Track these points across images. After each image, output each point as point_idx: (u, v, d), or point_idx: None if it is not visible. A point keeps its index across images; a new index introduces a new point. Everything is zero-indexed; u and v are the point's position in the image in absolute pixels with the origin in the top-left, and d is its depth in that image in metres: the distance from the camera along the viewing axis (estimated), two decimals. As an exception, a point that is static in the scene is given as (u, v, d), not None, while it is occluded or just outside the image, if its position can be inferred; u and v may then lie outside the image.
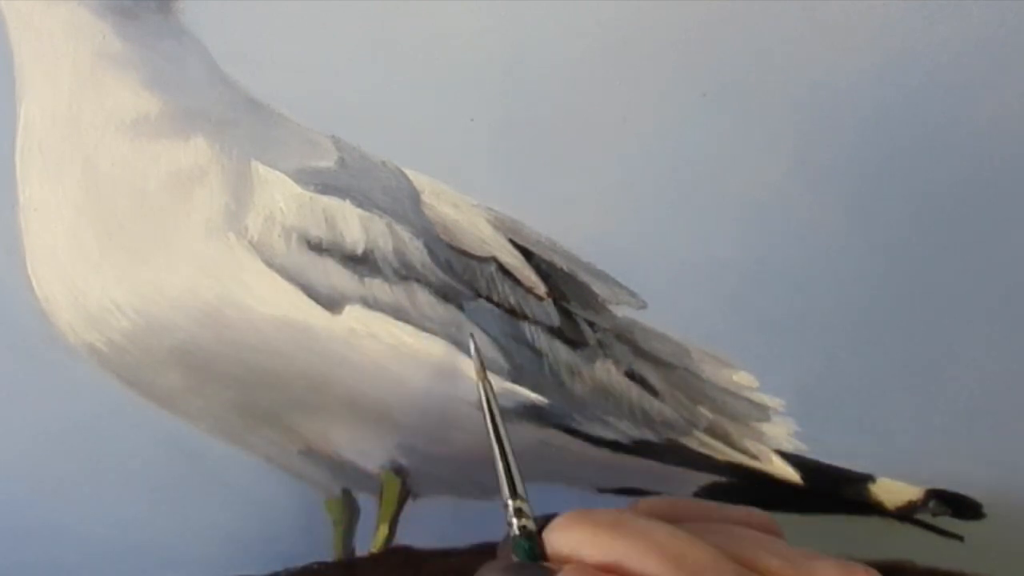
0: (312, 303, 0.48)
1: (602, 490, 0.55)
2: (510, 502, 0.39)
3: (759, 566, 0.36)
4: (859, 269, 0.52)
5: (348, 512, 0.54)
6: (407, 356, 0.49)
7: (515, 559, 0.38)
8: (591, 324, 0.52)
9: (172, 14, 0.48)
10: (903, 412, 0.54)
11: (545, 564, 0.37)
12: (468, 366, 0.49)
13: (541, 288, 0.51)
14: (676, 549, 0.35)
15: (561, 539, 0.37)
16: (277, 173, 0.48)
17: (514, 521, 0.39)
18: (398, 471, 0.52)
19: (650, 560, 0.35)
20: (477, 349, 0.45)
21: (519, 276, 0.51)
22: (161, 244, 0.48)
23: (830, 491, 0.54)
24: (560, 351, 0.51)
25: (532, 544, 0.38)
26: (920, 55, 0.50)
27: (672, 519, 0.37)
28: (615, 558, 0.35)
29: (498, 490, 0.54)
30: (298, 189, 0.48)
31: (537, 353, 0.51)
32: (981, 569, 0.54)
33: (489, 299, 0.50)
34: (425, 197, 0.50)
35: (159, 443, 0.53)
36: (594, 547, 0.36)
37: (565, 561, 0.36)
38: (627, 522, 0.36)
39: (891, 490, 0.54)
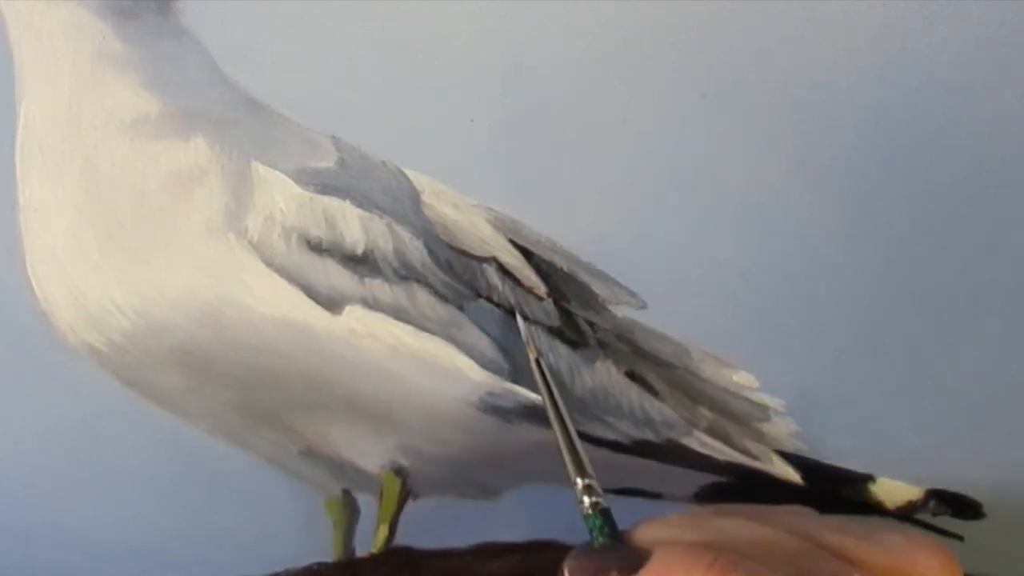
0: (312, 303, 0.48)
1: (605, 490, 0.55)
2: (579, 480, 0.39)
3: (832, 538, 0.36)
4: (859, 269, 0.52)
5: (348, 512, 0.54)
6: (407, 356, 0.49)
7: (597, 541, 0.38)
8: (591, 324, 0.52)
9: (172, 14, 0.48)
10: (903, 412, 0.54)
11: (631, 544, 0.37)
12: (468, 366, 0.49)
13: (541, 288, 0.51)
14: (751, 535, 0.35)
15: (641, 536, 0.37)
16: (277, 173, 0.48)
17: (585, 499, 0.39)
18: (398, 471, 0.52)
19: (721, 541, 0.35)
20: (530, 334, 0.44)
21: (519, 276, 0.51)
22: (161, 244, 0.48)
23: (830, 491, 0.54)
24: (560, 351, 0.51)
25: (606, 520, 0.38)
26: (920, 55, 0.50)
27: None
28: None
29: (500, 490, 0.55)
30: (298, 189, 0.48)
31: (537, 353, 0.51)
32: (981, 569, 0.54)
33: (489, 299, 0.50)
34: (425, 197, 0.50)
35: (159, 443, 0.53)
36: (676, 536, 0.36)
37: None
38: (701, 518, 0.36)
39: (891, 490, 0.54)
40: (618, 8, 0.49)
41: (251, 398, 0.50)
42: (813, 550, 0.35)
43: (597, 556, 0.36)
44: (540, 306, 0.51)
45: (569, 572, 0.36)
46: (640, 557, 0.35)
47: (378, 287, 0.49)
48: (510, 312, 0.51)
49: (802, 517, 0.38)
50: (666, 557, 0.34)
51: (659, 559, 0.34)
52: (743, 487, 0.54)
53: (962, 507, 0.54)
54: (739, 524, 0.36)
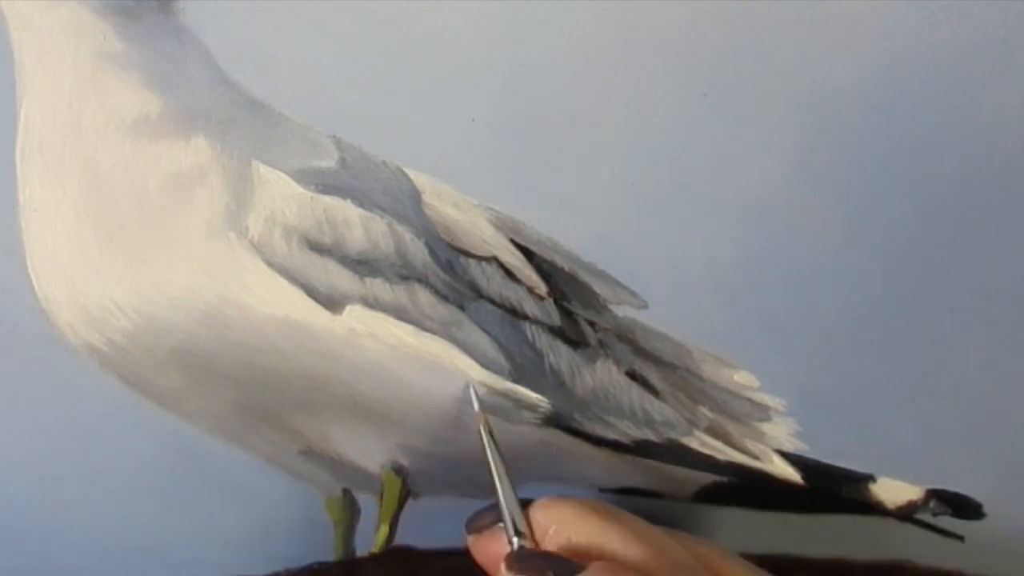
0: (313, 303, 0.48)
1: (603, 490, 0.55)
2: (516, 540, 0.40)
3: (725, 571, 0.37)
4: (860, 269, 0.52)
5: (349, 512, 0.54)
6: (408, 356, 0.49)
7: (517, 548, 0.39)
8: (592, 324, 0.52)
9: (173, 14, 0.48)
10: (903, 412, 0.54)
11: (555, 554, 0.38)
12: (469, 366, 0.49)
13: (542, 288, 0.51)
14: (658, 540, 0.36)
15: (547, 515, 0.38)
16: (278, 173, 0.48)
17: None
18: (398, 471, 0.52)
19: (634, 548, 0.36)
20: (477, 396, 0.46)
21: (520, 276, 0.51)
22: (162, 244, 0.48)
23: (830, 491, 0.54)
24: (561, 351, 0.51)
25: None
26: (920, 55, 0.50)
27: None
28: (601, 541, 0.36)
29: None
30: (299, 189, 0.48)
31: (538, 353, 0.51)
32: (981, 569, 0.55)
33: (490, 299, 0.50)
34: (426, 197, 0.50)
35: (159, 443, 0.53)
36: (580, 527, 0.37)
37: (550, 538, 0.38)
38: (610, 510, 0.37)
39: (891, 490, 0.54)
40: (618, 8, 0.49)
41: (251, 398, 0.50)
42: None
43: (542, 558, 0.38)
44: (541, 306, 0.51)
45: (508, 568, 0.38)
46: (573, 571, 0.37)
47: (379, 287, 0.49)
48: (511, 312, 0.51)
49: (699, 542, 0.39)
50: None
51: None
52: (743, 487, 0.54)
53: (962, 507, 0.54)
54: (645, 525, 0.37)
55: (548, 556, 0.38)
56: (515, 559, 0.39)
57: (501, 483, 0.42)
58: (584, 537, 0.38)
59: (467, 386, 0.48)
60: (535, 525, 0.39)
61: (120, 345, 0.49)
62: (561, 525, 0.38)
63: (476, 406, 0.46)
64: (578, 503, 0.39)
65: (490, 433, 0.44)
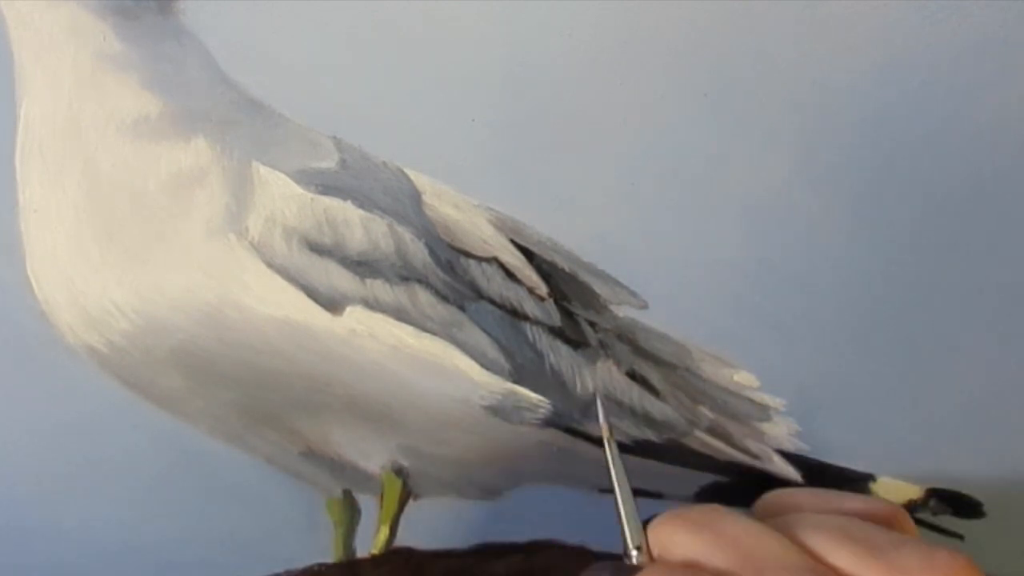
0: (313, 304, 0.48)
1: (603, 490, 0.55)
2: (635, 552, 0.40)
3: (829, 559, 0.36)
4: (860, 269, 0.52)
5: (349, 513, 0.54)
6: (408, 357, 0.49)
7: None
8: (592, 324, 0.52)
9: (172, 15, 0.47)
10: (903, 412, 0.54)
11: (626, 562, 0.38)
12: (469, 366, 0.49)
13: (543, 288, 0.51)
14: (747, 543, 0.36)
15: (654, 537, 0.38)
16: (278, 174, 0.48)
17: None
18: (399, 472, 0.52)
19: (720, 554, 0.35)
20: (603, 407, 0.44)
21: (520, 276, 0.51)
22: (162, 245, 0.47)
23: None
24: (561, 351, 0.51)
25: None
26: (920, 55, 0.50)
27: (782, 511, 0.37)
28: (693, 555, 0.36)
29: (500, 490, 0.55)
30: (299, 190, 0.48)
31: (538, 353, 0.51)
32: (981, 569, 0.55)
33: (491, 300, 0.50)
34: (426, 198, 0.50)
35: (159, 443, 0.53)
36: (678, 545, 0.37)
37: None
38: (710, 519, 0.37)
39: (891, 489, 0.54)
40: (618, 8, 0.49)
41: (252, 399, 0.50)
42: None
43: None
44: (541, 306, 0.51)
45: None
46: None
47: (379, 287, 0.49)
48: (511, 313, 0.51)
49: (821, 531, 0.38)
50: None
51: None
52: (744, 487, 0.54)
53: (962, 506, 0.54)
54: (756, 535, 0.37)
55: (605, 565, 0.38)
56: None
57: (623, 499, 0.41)
58: (679, 553, 0.37)
59: (594, 397, 0.47)
60: (652, 548, 0.39)
61: (120, 346, 0.49)
62: (665, 543, 0.38)
63: (601, 418, 0.45)
64: (682, 518, 0.38)
65: (614, 446, 0.43)
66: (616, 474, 0.42)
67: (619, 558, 0.39)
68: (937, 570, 0.35)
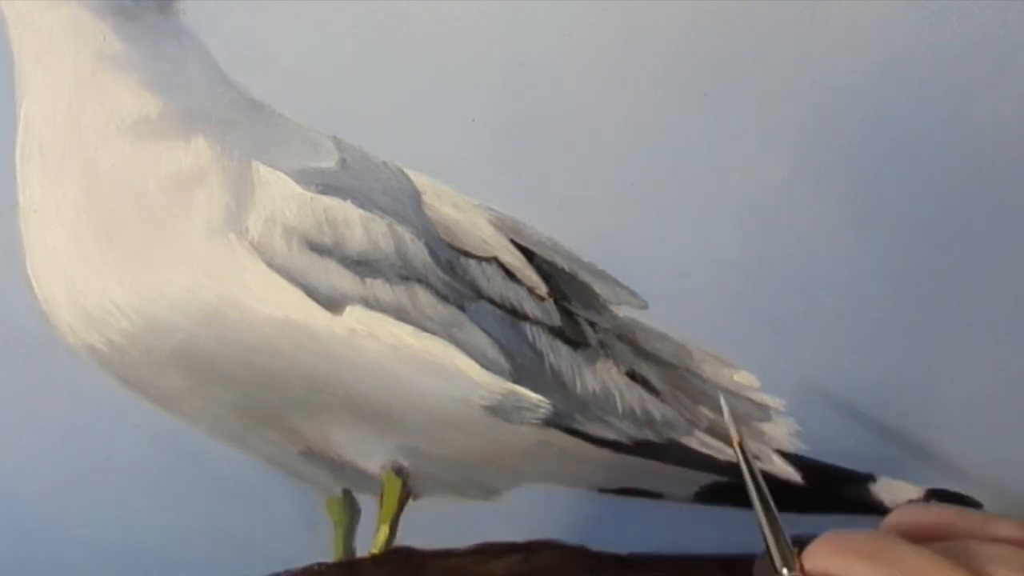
0: (313, 304, 0.48)
1: (603, 490, 0.55)
2: (785, 571, 0.39)
3: None
4: (860, 269, 0.52)
5: (349, 513, 0.54)
6: (408, 356, 0.49)
7: None
8: (592, 324, 0.52)
9: (172, 15, 0.47)
10: (903, 412, 0.54)
11: None
12: (469, 366, 0.49)
13: (542, 288, 0.51)
14: (894, 557, 0.35)
15: (815, 563, 0.37)
16: (278, 174, 0.48)
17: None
18: (399, 472, 0.52)
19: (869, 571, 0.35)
20: (731, 413, 0.42)
21: (520, 276, 0.51)
22: (162, 245, 0.47)
23: (830, 491, 0.54)
24: (561, 351, 0.51)
25: None
26: (920, 55, 0.50)
27: (934, 535, 0.37)
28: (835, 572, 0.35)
29: (500, 490, 0.55)
30: (299, 190, 0.48)
31: (538, 353, 0.51)
32: None
33: (490, 299, 0.50)
34: (426, 198, 0.50)
35: (159, 443, 0.53)
36: (821, 565, 0.36)
37: None
38: (883, 551, 0.36)
39: (891, 490, 0.54)
40: (618, 8, 0.49)
41: (252, 399, 0.50)
42: None
43: None
44: (541, 306, 0.51)
45: None
46: None
47: (379, 287, 0.49)
48: (511, 313, 0.51)
49: (1002, 564, 0.37)
50: None
51: None
52: (744, 486, 0.53)
53: (962, 506, 0.54)
54: (928, 562, 0.36)
55: None
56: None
57: (766, 512, 0.40)
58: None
59: (721, 399, 0.45)
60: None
61: (120, 346, 0.49)
62: (815, 568, 0.37)
63: (732, 428, 0.42)
64: (852, 550, 0.37)
65: (746, 454, 0.42)
66: (755, 487, 0.40)
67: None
68: None
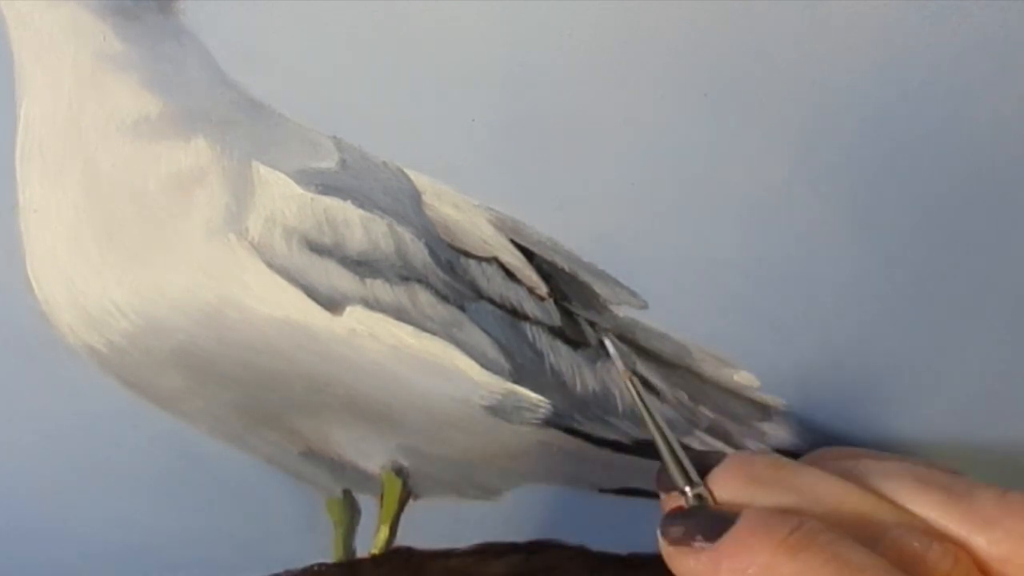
0: (313, 304, 0.48)
1: (603, 490, 0.55)
2: (688, 489, 0.39)
3: (909, 507, 0.35)
4: (860, 268, 0.52)
5: (349, 513, 0.54)
6: (408, 357, 0.49)
7: (689, 503, 0.38)
8: (592, 324, 0.52)
9: (173, 15, 0.47)
10: (903, 412, 0.54)
11: (719, 508, 0.37)
12: (469, 366, 0.49)
13: (543, 288, 0.51)
14: (828, 500, 0.35)
15: (725, 495, 0.37)
16: (278, 174, 0.48)
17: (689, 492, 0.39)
18: (399, 472, 0.52)
19: (813, 511, 0.35)
20: (616, 347, 0.44)
21: (520, 276, 0.51)
22: (162, 245, 0.48)
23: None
24: (561, 351, 0.51)
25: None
26: (920, 55, 0.50)
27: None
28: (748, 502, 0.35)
29: (500, 490, 0.55)
30: (299, 190, 0.48)
31: (538, 353, 0.51)
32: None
33: (491, 300, 0.50)
34: (426, 198, 0.50)
35: (159, 443, 0.53)
36: (750, 501, 0.36)
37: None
38: (786, 479, 0.36)
39: (891, 489, 0.54)
40: (618, 8, 0.49)
41: (252, 399, 0.50)
42: (901, 525, 0.34)
43: (686, 519, 0.37)
44: (541, 306, 0.51)
45: (662, 534, 0.37)
46: (726, 521, 0.35)
47: (379, 287, 0.49)
48: (511, 313, 0.51)
49: (894, 478, 0.37)
50: (748, 524, 0.35)
51: (741, 526, 0.35)
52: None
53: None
54: (828, 484, 0.36)
55: (695, 513, 0.37)
56: (664, 521, 0.38)
57: (663, 435, 0.41)
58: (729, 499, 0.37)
59: (605, 342, 0.46)
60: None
61: (120, 346, 0.49)
62: (735, 498, 0.37)
63: (618, 363, 0.43)
64: (734, 469, 0.37)
65: (638, 384, 0.42)
66: (650, 415, 0.41)
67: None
68: (1015, 515, 0.34)
